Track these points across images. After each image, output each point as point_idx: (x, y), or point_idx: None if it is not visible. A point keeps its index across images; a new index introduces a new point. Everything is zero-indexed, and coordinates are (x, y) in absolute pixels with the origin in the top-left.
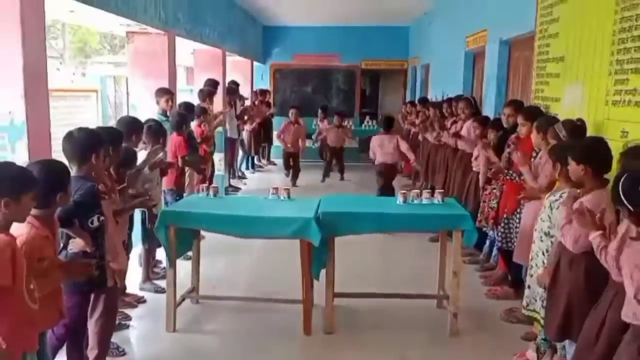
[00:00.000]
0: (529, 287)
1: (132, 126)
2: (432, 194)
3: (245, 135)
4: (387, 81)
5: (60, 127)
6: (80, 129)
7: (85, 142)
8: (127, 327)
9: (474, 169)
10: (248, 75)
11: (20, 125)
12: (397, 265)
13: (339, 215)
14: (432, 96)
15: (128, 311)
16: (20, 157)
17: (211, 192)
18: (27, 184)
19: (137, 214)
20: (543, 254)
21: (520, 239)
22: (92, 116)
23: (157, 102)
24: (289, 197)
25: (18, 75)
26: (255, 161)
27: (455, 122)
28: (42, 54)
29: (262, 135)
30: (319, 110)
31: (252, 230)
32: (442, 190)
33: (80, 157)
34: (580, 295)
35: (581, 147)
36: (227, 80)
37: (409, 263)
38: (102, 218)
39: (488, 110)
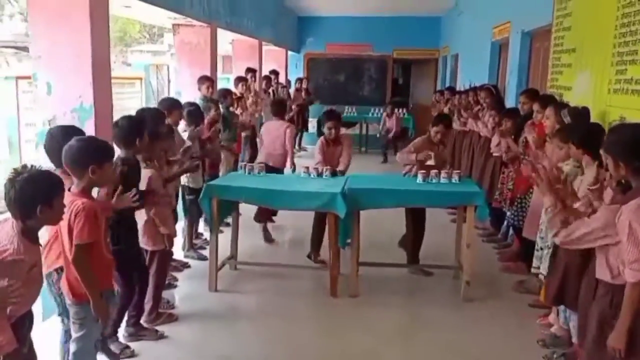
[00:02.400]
0: (541, 248)
1: (170, 105)
2: (450, 174)
3: None
4: (418, 70)
5: None
6: (123, 117)
7: (127, 129)
8: (175, 286)
9: (493, 154)
10: (283, 64)
11: (89, 107)
12: None
13: (363, 191)
14: (460, 85)
15: (175, 274)
16: (89, 134)
17: (250, 170)
18: (108, 154)
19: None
20: None
21: (529, 216)
22: (137, 102)
23: (199, 89)
24: (318, 175)
25: (87, 65)
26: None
27: (479, 110)
28: (106, 47)
29: (299, 121)
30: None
31: (284, 203)
32: (459, 171)
33: (124, 142)
34: (576, 266)
35: (578, 131)
36: (264, 67)
37: (429, 238)
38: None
39: (510, 99)
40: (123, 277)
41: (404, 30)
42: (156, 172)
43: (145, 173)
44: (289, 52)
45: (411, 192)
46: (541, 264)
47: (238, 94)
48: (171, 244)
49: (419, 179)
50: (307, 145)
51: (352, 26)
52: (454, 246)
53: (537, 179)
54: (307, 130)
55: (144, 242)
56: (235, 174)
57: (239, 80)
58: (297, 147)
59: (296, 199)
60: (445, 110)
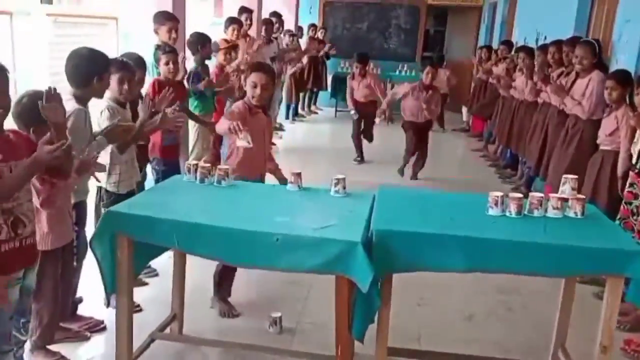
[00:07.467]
0: None
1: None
2: (563, 199)
3: (286, 79)
4: (456, 20)
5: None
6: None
7: None
8: None
9: (602, 147)
10: (292, 7)
11: None
12: (493, 305)
13: (406, 237)
14: (517, 39)
15: (71, 350)
16: None
17: (204, 176)
18: None
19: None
20: None
21: None
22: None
23: (156, 32)
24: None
25: None
26: (299, 110)
27: (562, 74)
28: None
29: (312, 78)
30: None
31: (249, 257)
32: (583, 197)
33: None
34: None
35: None
36: (267, 10)
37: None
38: None
39: (624, 62)
40: None
41: None
42: None
43: None
44: None
45: (500, 244)
46: None
47: (229, 42)
48: None
49: (511, 208)
50: (323, 106)
51: None
52: (554, 322)
53: None
54: (322, 88)
55: None
56: (174, 181)
57: (231, 22)
58: (307, 109)
59: (272, 250)
60: (497, 71)
